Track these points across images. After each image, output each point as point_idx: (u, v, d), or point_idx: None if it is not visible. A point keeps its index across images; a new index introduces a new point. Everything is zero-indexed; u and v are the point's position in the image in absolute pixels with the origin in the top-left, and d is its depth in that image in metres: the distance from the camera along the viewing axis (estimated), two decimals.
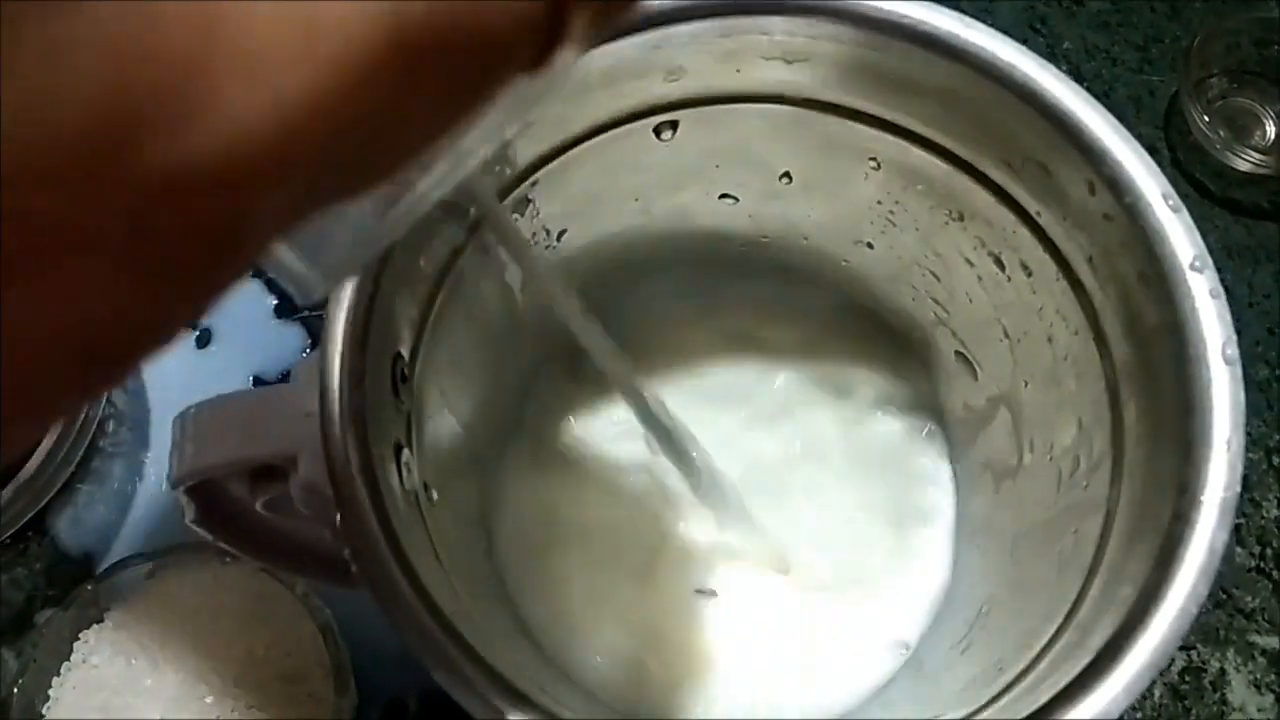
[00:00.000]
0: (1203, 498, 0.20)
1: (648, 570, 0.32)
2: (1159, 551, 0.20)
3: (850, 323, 0.35)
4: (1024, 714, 0.20)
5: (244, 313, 0.42)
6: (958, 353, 0.31)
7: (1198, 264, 0.22)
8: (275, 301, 0.41)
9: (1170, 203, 0.23)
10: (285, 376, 0.39)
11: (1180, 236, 0.22)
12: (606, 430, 0.34)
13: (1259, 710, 0.40)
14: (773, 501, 0.33)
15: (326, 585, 0.36)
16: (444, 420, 0.27)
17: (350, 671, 0.33)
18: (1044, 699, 0.20)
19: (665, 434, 0.27)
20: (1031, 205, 0.26)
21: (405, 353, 0.24)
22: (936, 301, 0.31)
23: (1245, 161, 0.43)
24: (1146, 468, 0.23)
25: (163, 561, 0.35)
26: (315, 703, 0.33)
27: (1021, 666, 0.23)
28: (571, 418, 0.34)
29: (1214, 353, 0.22)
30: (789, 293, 0.35)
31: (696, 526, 0.33)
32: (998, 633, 0.26)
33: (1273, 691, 0.41)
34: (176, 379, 0.41)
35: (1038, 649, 0.23)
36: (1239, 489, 0.20)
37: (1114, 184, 0.23)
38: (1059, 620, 0.23)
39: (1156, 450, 0.22)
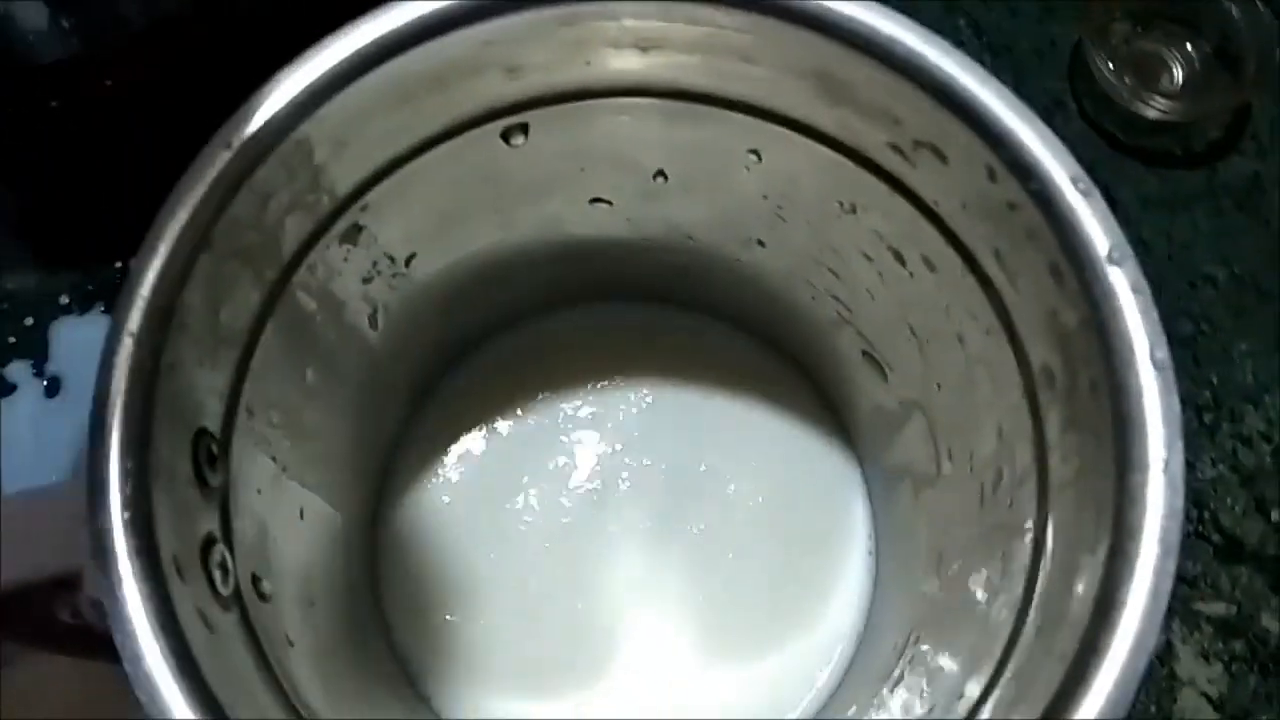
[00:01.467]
0: (1143, 529, 0.18)
1: (547, 630, 0.29)
2: (1099, 593, 0.18)
3: (747, 326, 0.32)
4: None
5: (95, 352, 0.38)
6: (864, 352, 0.29)
7: (1115, 255, 0.19)
8: None
9: (1081, 186, 0.20)
10: None
11: (1094, 225, 0.20)
12: (498, 468, 0.31)
13: (1209, 681, 0.39)
14: (669, 530, 0.31)
15: None
16: (285, 492, 0.23)
17: None
18: None
19: None
20: (928, 194, 0.23)
21: (213, 428, 0.20)
22: (837, 299, 0.28)
23: (1154, 109, 0.40)
24: (1076, 489, 0.20)
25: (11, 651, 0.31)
26: None
27: (964, 712, 0.20)
28: (454, 457, 0.31)
29: (1141, 357, 0.19)
30: (679, 297, 0.32)
31: (596, 579, 0.30)
32: (929, 672, 0.24)
33: (1221, 660, 0.39)
34: (26, 432, 0.37)
35: (973, 700, 0.20)
36: (1182, 517, 0.18)
37: (1016, 168, 0.20)
38: (992, 665, 0.20)
39: (1086, 469, 0.20)
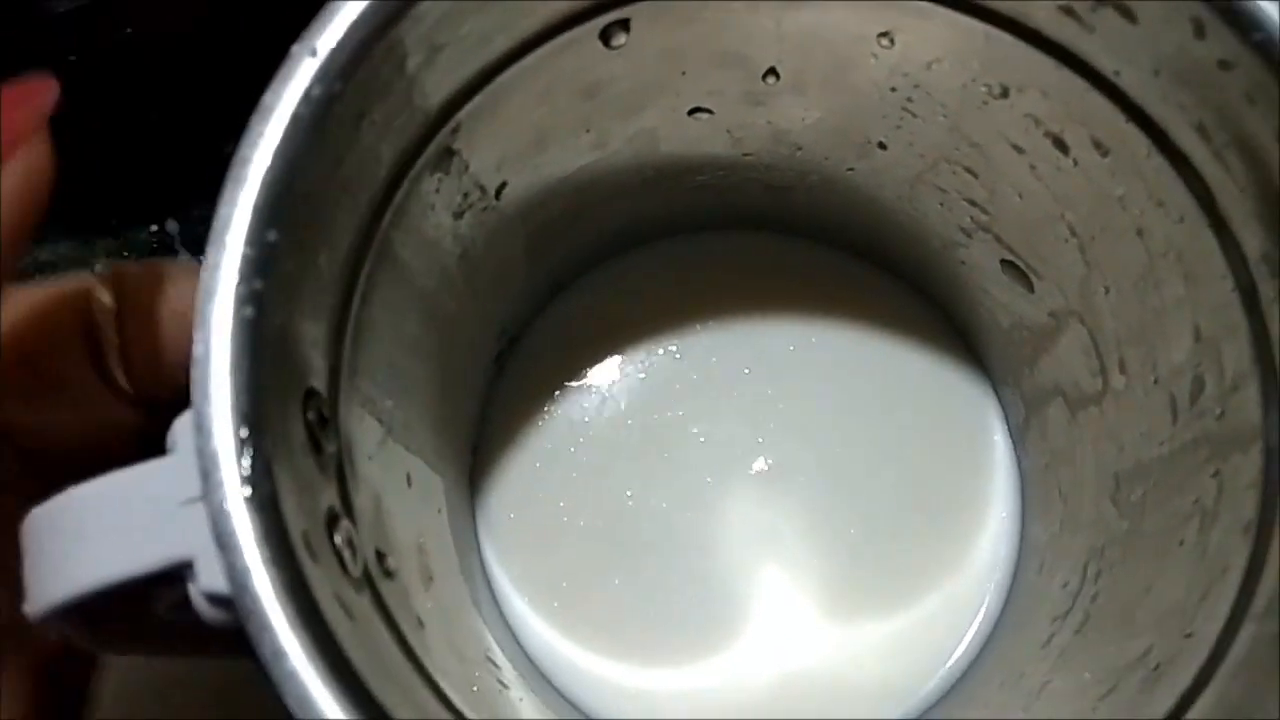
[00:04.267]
0: None
1: (667, 592, 0.27)
2: None
3: (857, 247, 0.29)
4: None
5: None
6: (1005, 261, 0.26)
7: None
8: None
9: None
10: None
11: None
12: (596, 420, 0.28)
13: None
14: (789, 474, 0.28)
15: None
16: (393, 457, 0.21)
17: None
18: None
19: None
20: (1107, 63, 0.20)
21: (321, 386, 0.17)
22: (973, 203, 0.25)
23: None
24: None
25: None
26: None
27: (1193, 670, 0.17)
28: (547, 411, 0.28)
29: None
30: (778, 223, 0.29)
31: (715, 534, 0.27)
32: (1126, 606, 0.21)
33: None
34: None
35: (1210, 644, 0.18)
36: None
37: (1233, 18, 0.17)
38: (1229, 598, 0.18)
39: None
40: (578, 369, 0.29)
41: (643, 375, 0.29)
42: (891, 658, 0.26)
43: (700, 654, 0.27)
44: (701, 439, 0.28)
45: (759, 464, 0.28)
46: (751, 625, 0.27)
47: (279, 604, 0.14)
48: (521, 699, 0.22)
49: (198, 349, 0.15)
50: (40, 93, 0.17)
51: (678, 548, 0.27)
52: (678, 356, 0.29)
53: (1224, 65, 0.18)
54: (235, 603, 0.14)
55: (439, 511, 0.24)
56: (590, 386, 0.29)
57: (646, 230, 0.29)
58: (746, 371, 0.29)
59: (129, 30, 0.34)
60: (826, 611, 0.27)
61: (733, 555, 0.27)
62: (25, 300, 0.19)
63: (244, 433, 0.15)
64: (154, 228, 0.37)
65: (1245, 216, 0.19)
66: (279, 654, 0.14)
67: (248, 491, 0.15)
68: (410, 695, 0.16)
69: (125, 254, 0.36)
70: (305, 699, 0.14)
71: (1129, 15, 0.19)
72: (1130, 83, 0.19)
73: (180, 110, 0.36)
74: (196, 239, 0.36)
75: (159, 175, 0.36)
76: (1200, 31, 0.18)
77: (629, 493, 0.28)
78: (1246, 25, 0.17)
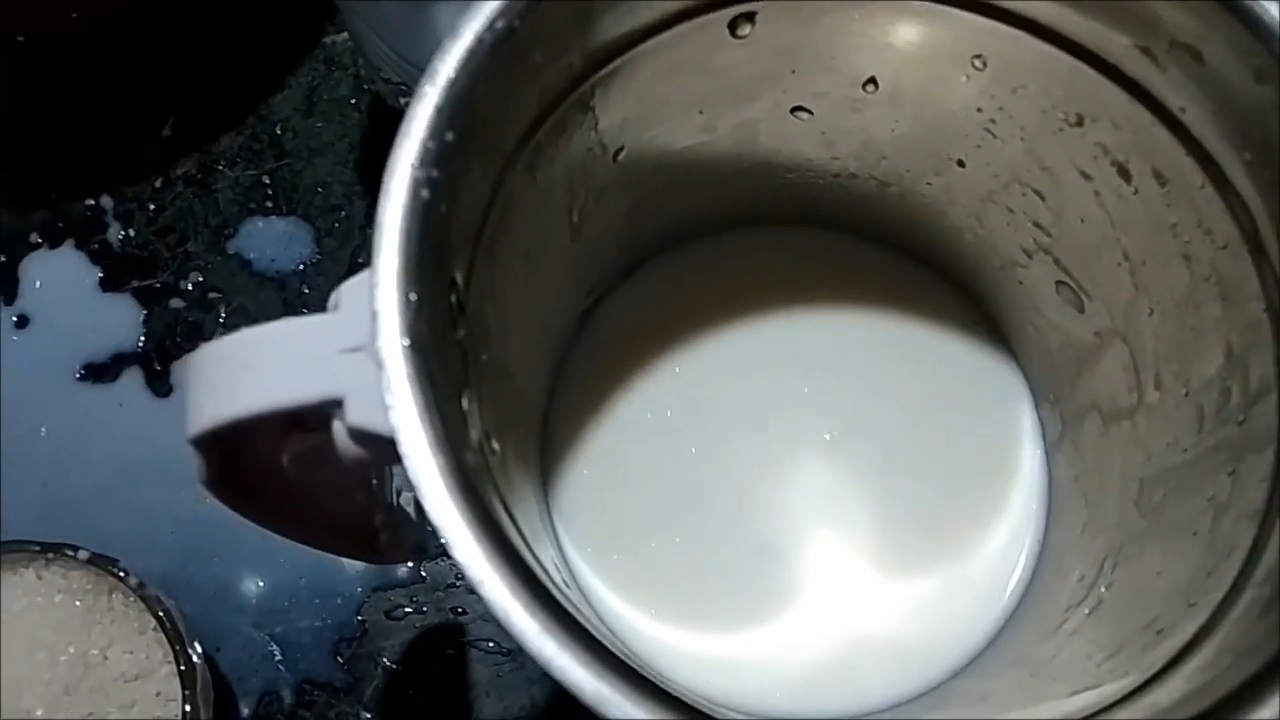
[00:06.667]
0: None
1: (724, 549, 0.29)
2: None
3: (925, 258, 0.32)
4: (1231, 685, 0.17)
5: (65, 287, 0.38)
6: (1060, 282, 0.28)
7: None
8: (101, 274, 0.38)
9: None
10: (118, 359, 0.37)
11: None
12: (662, 389, 0.31)
13: None
14: (840, 456, 0.30)
15: (351, 558, 0.32)
16: (500, 356, 0.23)
17: (201, 665, 0.30)
18: (1250, 669, 0.17)
19: None
20: (1175, 100, 0.22)
21: (460, 278, 0.20)
22: (1038, 225, 0.28)
23: None
24: None
25: None
26: (164, 702, 0.30)
27: (1193, 629, 0.20)
28: (619, 373, 0.31)
29: None
30: (856, 226, 0.32)
31: (762, 502, 0.30)
32: (1138, 591, 0.23)
33: None
34: None
35: (1210, 608, 0.20)
36: None
37: None
38: (1232, 573, 0.20)
39: None
40: (656, 337, 0.31)
41: (718, 350, 0.31)
42: (931, 619, 0.28)
43: (746, 613, 0.29)
44: (770, 413, 0.31)
45: (821, 438, 0.30)
46: (809, 584, 0.29)
47: (423, 430, 0.17)
48: (569, 586, 0.25)
49: (381, 218, 0.18)
50: None
51: (742, 511, 0.29)
52: (753, 336, 0.31)
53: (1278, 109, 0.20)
54: (388, 427, 0.17)
55: (521, 446, 0.26)
56: (667, 354, 0.31)
57: (735, 218, 0.32)
58: (816, 357, 0.31)
59: (73, 14, 0.36)
60: (877, 569, 0.29)
61: (794, 518, 0.29)
62: None
63: (413, 296, 0.17)
64: (90, 201, 0.38)
65: None
66: (419, 464, 0.16)
67: (407, 341, 0.17)
68: (514, 546, 0.18)
69: (60, 225, 0.38)
70: (440, 504, 0.16)
71: (1198, 57, 0.21)
72: (1193, 119, 0.22)
73: (120, 92, 0.38)
74: (128, 214, 0.38)
75: (97, 152, 0.38)
76: (1259, 76, 0.20)
77: (695, 457, 0.30)
78: None
